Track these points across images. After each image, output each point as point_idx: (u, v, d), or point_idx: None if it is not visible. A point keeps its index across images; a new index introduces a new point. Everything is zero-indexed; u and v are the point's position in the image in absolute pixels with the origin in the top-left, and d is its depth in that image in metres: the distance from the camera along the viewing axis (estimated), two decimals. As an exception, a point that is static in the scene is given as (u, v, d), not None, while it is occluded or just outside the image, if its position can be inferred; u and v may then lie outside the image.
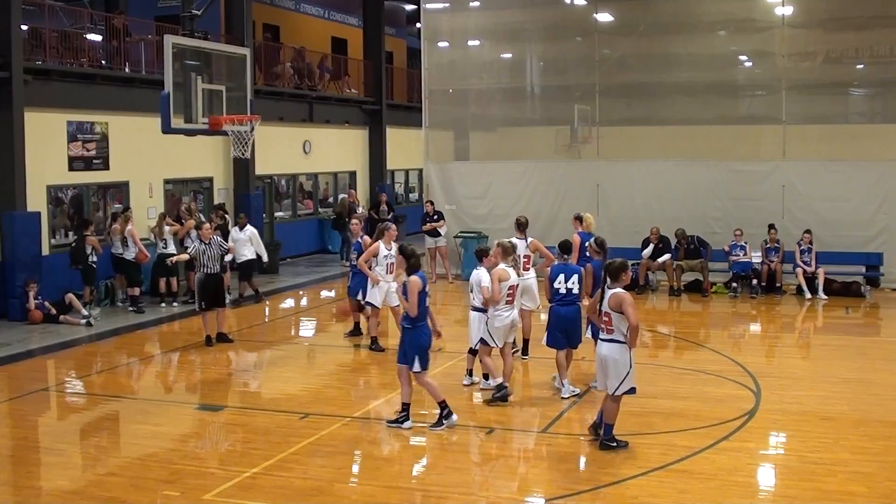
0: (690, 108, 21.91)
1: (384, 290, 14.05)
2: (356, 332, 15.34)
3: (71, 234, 19.11)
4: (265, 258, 19.53)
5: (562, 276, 11.47)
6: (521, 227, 13.53)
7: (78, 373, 14.09)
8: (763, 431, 10.42)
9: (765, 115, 21.56)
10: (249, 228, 18.94)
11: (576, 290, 11.47)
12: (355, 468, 9.63)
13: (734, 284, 19.43)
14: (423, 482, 9.25)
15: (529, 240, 13.45)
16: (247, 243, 18.66)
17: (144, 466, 9.44)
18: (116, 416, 11.64)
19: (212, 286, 14.78)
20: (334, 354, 14.84)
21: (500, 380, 11.46)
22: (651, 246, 19.68)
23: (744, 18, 21.56)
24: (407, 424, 10.39)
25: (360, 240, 14.84)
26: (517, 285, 11.59)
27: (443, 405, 10.37)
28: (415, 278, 10.20)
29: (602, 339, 9.59)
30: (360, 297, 14.51)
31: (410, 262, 10.39)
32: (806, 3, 21.12)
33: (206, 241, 14.79)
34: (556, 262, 11.79)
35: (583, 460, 9.61)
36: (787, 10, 20.88)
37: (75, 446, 10.53)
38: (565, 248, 11.86)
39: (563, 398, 11.50)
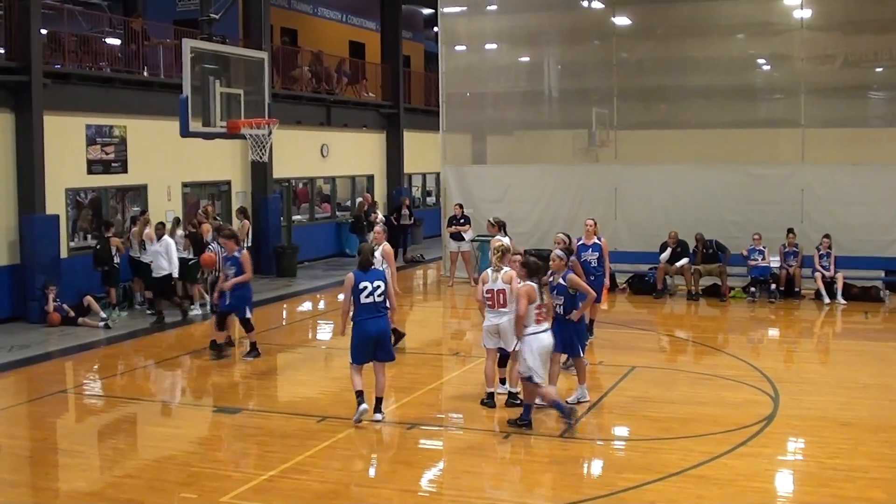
0: (708, 112, 21.82)
1: None
2: (217, 346, 14.43)
3: (90, 237, 19.22)
4: (175, 274, 17.16)
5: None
6: (499, 226, 14.80)
7: (96, 375, 14.17)
8: (781, 437, 10.36)
9: (783, 119, 21.43)
10: (165, 239, 16.98)
11: None
12: (372, 472, 9.64)
13: (752, 289, 19.31)
14: (440, 486, 9.25)
15: (506, 239, 14.42)
16: (162, 255, 16.84)
17: (162, 469, 9.47)
18: (134, 419, 11.68)
19: None
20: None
21: (509, 388, 11.39)
22: (669, 250, 19.62)
23: (762, 22, 21.45)
24: (362, 407, 10.60)
25: (236, 254, 14.09)
26: (503, 290, 10.98)
27: (377, 400, 10.79)
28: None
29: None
30: (247, 314, 14.13)
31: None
32: (824, 6, 21.00)
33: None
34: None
35: (600, 465, 9.59)
36: (806, 14, 20.78)
37: (93, 448, 10.57)
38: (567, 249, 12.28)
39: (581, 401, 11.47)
